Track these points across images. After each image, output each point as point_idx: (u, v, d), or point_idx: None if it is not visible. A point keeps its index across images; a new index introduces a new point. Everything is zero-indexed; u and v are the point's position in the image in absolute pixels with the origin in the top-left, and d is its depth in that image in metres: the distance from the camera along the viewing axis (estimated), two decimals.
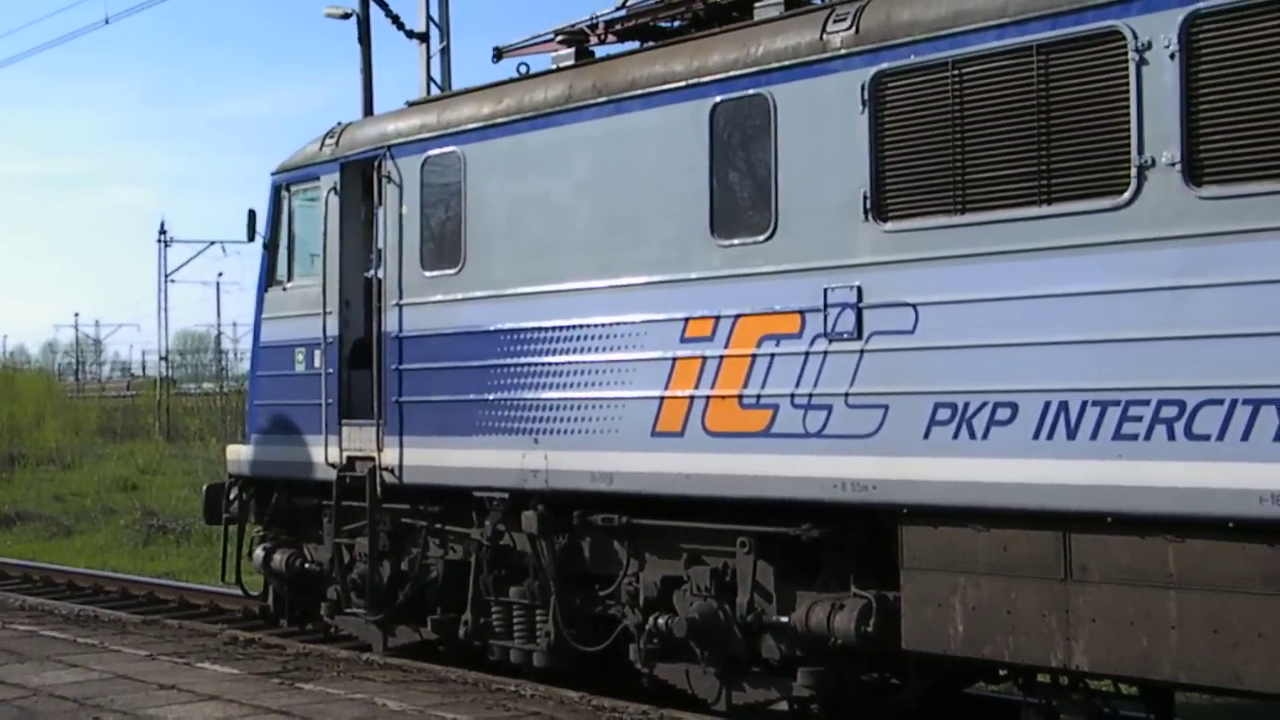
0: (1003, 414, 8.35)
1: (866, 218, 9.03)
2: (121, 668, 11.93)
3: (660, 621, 10.32)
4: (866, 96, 9.04)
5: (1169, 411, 7.69)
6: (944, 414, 8.63)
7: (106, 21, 24.43)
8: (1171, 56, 7.75)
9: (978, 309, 8.48)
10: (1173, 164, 7.74)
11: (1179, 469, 7.65)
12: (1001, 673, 9.60)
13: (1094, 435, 7.97)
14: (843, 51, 9.23)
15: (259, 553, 14.14)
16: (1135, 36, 7.87)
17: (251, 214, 14.25)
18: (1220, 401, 7.53)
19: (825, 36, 9.35)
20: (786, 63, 9.54)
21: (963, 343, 8.54)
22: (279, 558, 13.87)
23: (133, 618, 15.46)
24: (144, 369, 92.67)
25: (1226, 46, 7.61)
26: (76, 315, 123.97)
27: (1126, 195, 7.91)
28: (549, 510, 11.09)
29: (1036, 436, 8.20)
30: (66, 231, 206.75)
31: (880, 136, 9.00)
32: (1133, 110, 7.88)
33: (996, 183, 8.47)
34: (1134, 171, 7.88)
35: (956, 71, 8.64)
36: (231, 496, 14.40)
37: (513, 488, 11.23)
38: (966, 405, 8.51)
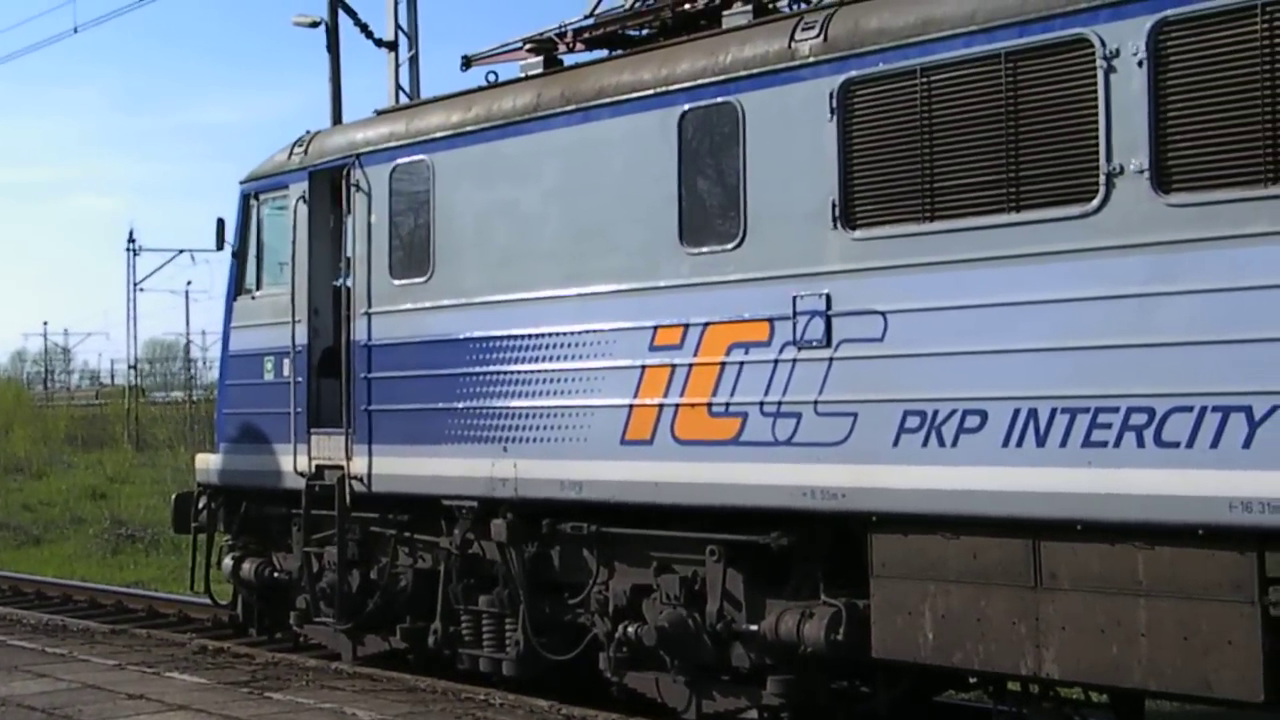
0: (972, 421, 8.35)
1: (835, 225, 9.03)
2: (90, 677, 11.85)
3: (630, 630, 10.30)
4: (835, 104, 9.04)
5: (1138, 419, 7.70)
6: (913, 421, 8.62)
7: (75, 30, 24.39)
8: (1140, 64, 7.77)
9: (947, 316, 8.48)
10: (1141, 171, 7.76)
11: (1148, 476, 7.65)
12: (972, 680, 9.63)
13: (1063, 443, 7.97)
14: (811, 59, 9.22)
15: (228, 562, 14.08)
16: (1103, 44, 7.89)
17: (220, 223, 14.21)
18: (1189, 409, 7.54)
19: (794, 44, 9.35)
20: (755, 71, 9.53)
21: (932, 350, 8.54)
22: (248, 567, 13.81)
23: (101, 627, 15.36)
24: (113, 378, 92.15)
25: (1194, 54, 7.63)
26: (45, 324, 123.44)
27: (1095, 202, 7.92)
28: (518, 519, 11.06)
29: (1006, 444, 8.20)
30: (35, 240, 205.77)
31: (849, 144, 9.00)
32: (1101, 118, 7.89)
33: (965, 190, 8.47)
34: (1102, 179, 7.89)
35: (925, 79, 8.65)
36: (200, 505, 14.34)
37: (482, 496, 11.19)
38: (936, 413, 8.51)
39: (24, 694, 11.12)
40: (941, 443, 8.48)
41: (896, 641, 8.83)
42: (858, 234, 8.95)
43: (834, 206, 9.02)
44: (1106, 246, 7.87)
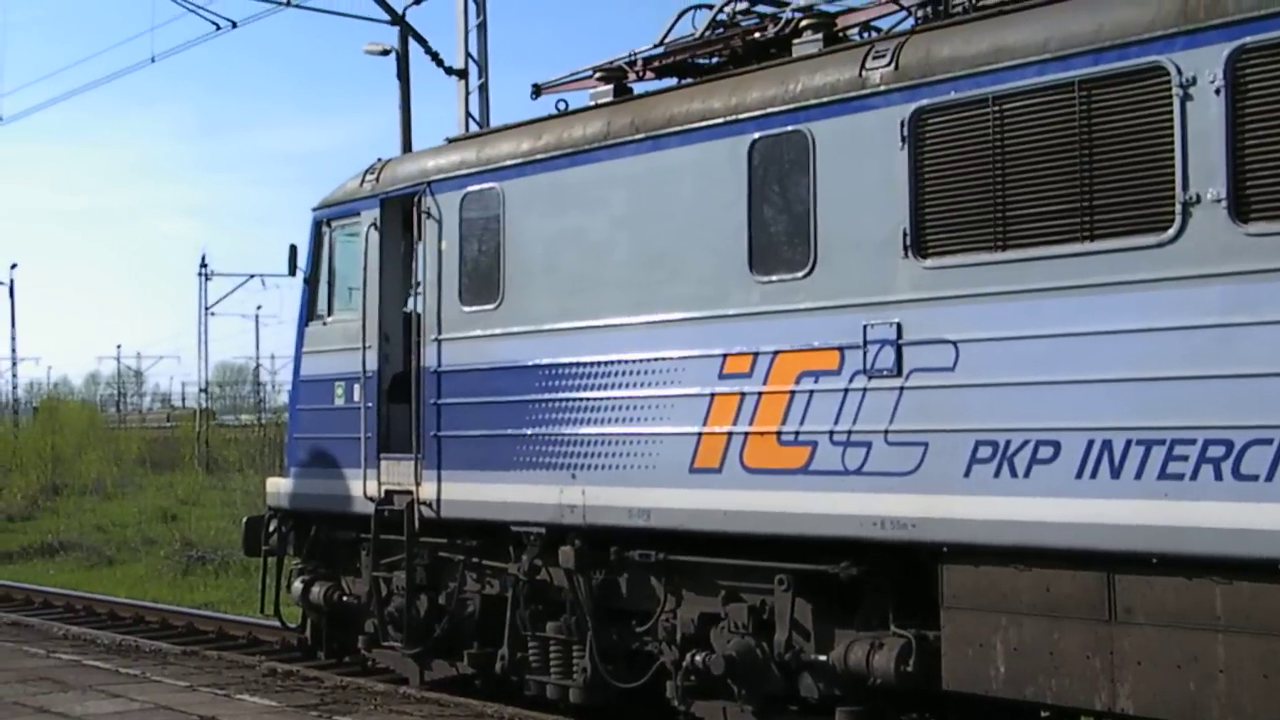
0: (1045, 452, 8.27)
1: (906, 254, 8.99)
2: (163, 698, 11.96)
3: (697, 658, 10.26)
4: (906, 133, 9.01)
5: (1216, 451, 7.60)
6: (985, 452, 8.56)
7: (153, 60, 24.63)
8: (1217, 92, 7.69)
9: (1019, 346, 8.42)
10: (1218, 200, 7.67)
11: (1226, 509, 7.55)
12: (1044, 715, 9.50)
13: (1138, 475, 7.88)
14: (882, 88, 9.20)
15: (297, 585, 14.17)
16: (1180, 72, 7.82)
17: (293, 249, 14.36)
18: (1269, 441, 7.43)
19: (864, 73, 9.33)
20: (825, 99, 9.52)
21: (1004, 380, 8.47)
22: (317, 590, 13.89)
23: (173, 648, 15.51)
24: (184, 400, 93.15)
25: (1273, 81, 7.54)
26: (119, 347, 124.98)
27: (1171, 232, 7.84)
28: (586, 545, 11.06)
29: (1079, 475, 8.11)
30: (110, 264, 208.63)
31: (920, 172, 8.96)
32: (1177, 146, 7.82)
33: (1038, 219, 8.41)
34: (1178, 208, 7.81)
35: (997, 107, 8.60)
36: (271, 529, 14.45)
37: (550, 523, 11.20)
38: (1008, 443, 8.44)
39: (98, 714, 11.24)
40: (1014, 473, 8.41)
41: (967, 674, 8.75)
42: (929, 263, 8.90)
43: (905, 235, 8.99)
44: (1183, 276, 7.79)
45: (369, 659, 13.77)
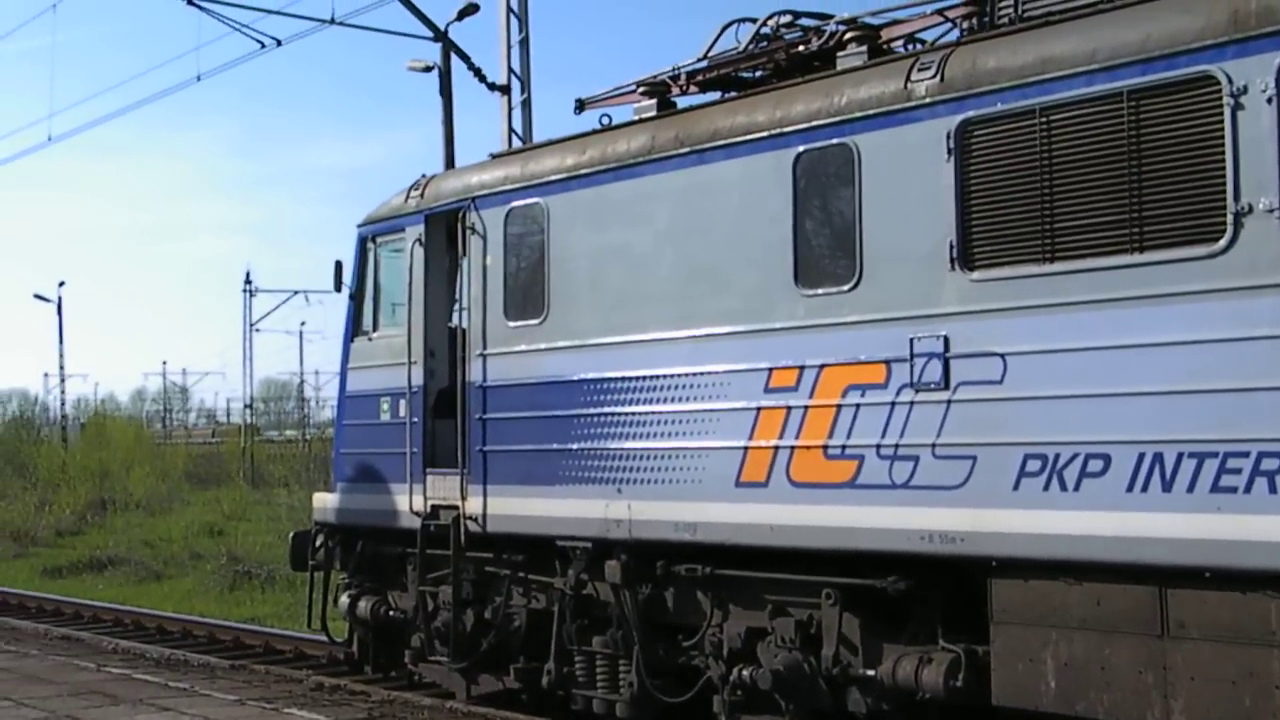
0: (1095, 465, 8.21)
1: (953, 267, 8.95)
2: (212, 712, 12.02)
3: (745, 673, 10.23)
4: (952, 145, 8.97)
5: (1270, 464, 7.51)
6: (1034, 465, 8.50)
7: (199, 79, 24.72)
8: (1269, 100, 7.62)
9: (1068, 359, 8.36)
10: (1271, 210, 7.60)
11: None
12: None
13: (1190, 488, 7.81)
14: (928, 100, 9.17)
15: (344, 600, 14.21)
16: (1230, 81, 7.75)
17: (338, 265, 14.43)
18: None
19: (910, 85, 9.30)
20: (870, 112, 9.49)
21: (1053, 393, 8.42)
22: (364, 605, 13.93)
23: (221, 662, 15.59)
24: (229, 416, 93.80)
25: None
26: (164, 363, 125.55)
27: (1222, 242, 7.77)
28: (632, 560, 11.05)
29: (1130, 489, 8.04)
30: (155, 281, 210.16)
31: (966, 185, 8.93)
32: (1228, 156, 7.75)
33: (1086, 231, 8.36)
34: (1230, 218, 7.74)
35: (1044, 119, 8.56)
36: (317, 544, 14.51)
37: (596, 537, 11.20)
38: (1057, 456, 8.38)
39: None
40: (1063, 487, 8.35)
41: (1018, 689, 8.69)
42: (976, 275, 8.86)
43: (951, 247, 8.95)
44: (1235, 287, 7.71)
45: (416, 673, 13.80)
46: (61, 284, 70.30)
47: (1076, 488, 8.28)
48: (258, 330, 70.43)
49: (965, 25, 9.81)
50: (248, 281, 66.78)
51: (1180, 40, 7.99)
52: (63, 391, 74.81)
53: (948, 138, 8.99)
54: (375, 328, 13.96)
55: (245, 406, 69.22)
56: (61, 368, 72.65)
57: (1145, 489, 7.99)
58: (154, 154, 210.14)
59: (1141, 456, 8.02)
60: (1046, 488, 8.42)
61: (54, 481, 47.72)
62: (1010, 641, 8.71)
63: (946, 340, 8.95)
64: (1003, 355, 8.66)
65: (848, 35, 10.41)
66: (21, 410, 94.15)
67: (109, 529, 37.96)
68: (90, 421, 69.53)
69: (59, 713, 12.01)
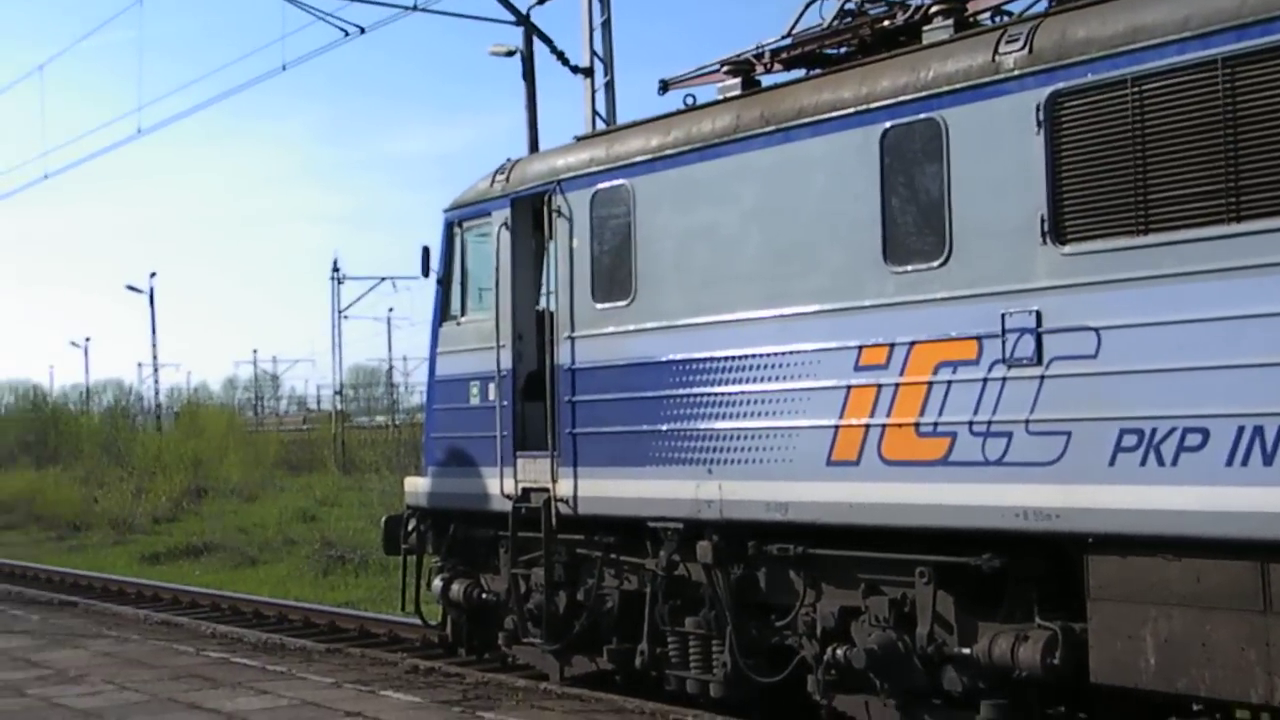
0: (1193, 440, 8.09)
1: (1044, 240, 8.85)
2: (309, 695, 12.16)
3: (839, 652, 10.20)
4: (1042, 117, 8.87)
5: None
6: (1130, 440, 8.39)
7: (284, 68, 24.91)
8: None
9: (1164, 332, 8.25)
10: None
11: None
12: (1196, 708, 9.30)
13: None
14: (1016, 72, 9.07)
15: (437, 583, 14.34)
16: None
17: (425, 250, 14.52)
18: None
19: (998, 58, 9.20)
20: (958, 85, 9.40)
21: (1149, 367, 8.30)
22: (457, 588, 14.04)
23: (317, 646, 15.77)
24: (319, 403, 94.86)
25: None
26: (255, 352, 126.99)
27: None
28: (724, 540, 11.04)
29: (1230, 463, 7.91)
30: (245, 271, 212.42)
31: (1057, 157, 8.82)
32: None
33: (1181, 201, 8.23)
34: None
35: (1136, 88, 8.43)
36: (410, 528, 14.64)
37: (687, 518, 11.21)
38: (1154, 431, 8.27)
39: (248, 710, 11.47)
40: (1161, 462, 8.24)
41: (1116, 666, 8.59)
42: (1068, 249, 8.76)
43: (1043, 221, 8.85)
44: None
45: (509, 655, 13.90)
46: (153, 275, 71.47)
47: (1174, 462, 8.17)
48: (346, 317, 71.15)
49: None
50: (335, 269, 67.36)
51: (1277, 4, 7.83)
52: (156, 381, 76.02)
53: (1037, 110, 8.89)
54: (463, 312, 14.04)
55: (335, 393, 69.95)
56: (155, 357, 73.89)
57: (1245, 463, 7.86)
58: (242, 144, 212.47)
59: (1241, 430, 7.88)
60: (1144, 463, 8.31)
61: (150, 470, 48.50)
62: (1108, 619, 8.61)
63: (1039, 315, 8.85)
64: (1097, 329, 8.56)
65: (933, 9, 10.31)
66: (117, 400, 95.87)
67: (204, 515, 38.53)
68: (184, 410, 70.52)
69: (160, 695, 12.22)
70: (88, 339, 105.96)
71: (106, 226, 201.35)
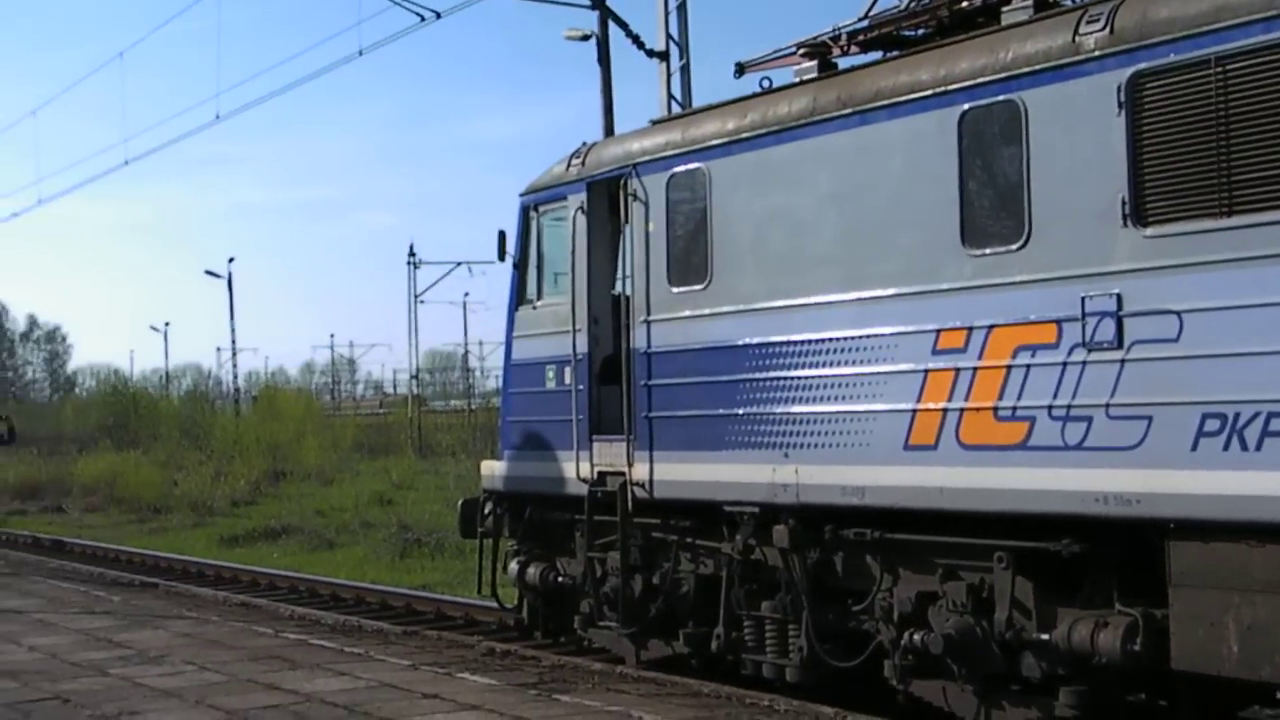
0: (1277, 424, 7.97)
1: (1125, 223, 8.75)
2: (387, 676, 12.27)
3: (916, 638, 10.16)
4: (1123, 98, 8.77)
5: None
6: (1212, 425, 8.29)
7: (360, 53, 25.05)
8: None
9: (1248, 315, 8.13)
10: None
11: None
12: (1279, 696, 9.18)
13: None
14: (1097, 53, 8.97)
15: (513, 566, 14.41)
16: None
17: (501, 235, 14.57)
18: None
19: (1078, 38, 9.10)
20: (1038, 67, 9.31)
21: (1232, 350, 8.20)
22: (533, 571, 14.11)
23: (394, 628, 15.91)
24: (395, 387, 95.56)
25: None
26: (332, 336, 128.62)
27: None
28: (800, 524, 11.03)
29: None
30: (322, 256, 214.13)
31: (1139, 139, 8.72)
32: None
33: (1266, 183, 8.11)
34: None
35: (1220, 68, 8.32)
36: (486, 511, 14.72)
37: (763, 502, 11.20)
38: (1237, 416, 8.16)
39: (326, 690, 11.59)
40: (1244, 446, 8.13)
41: (1198, 653, 8.50)
42: (1149, 231, 8.66)
43: (1124, 204, 8.75)
44: None
45: (585, 639, 13.95)
46: (231, 260, 72.16)
47: (1258, 448, 8.06)
48: (423, 302, 71.74)
49: None
50: (411, 254, 67.80)
51: None
52: (235, 365, 76.84)
53: (1118, 91, 8.79)
54: (539, 296, 14.09)
55: (411, 377, 70.45)
56: (233, 342, 74.66)
57: None
58: (319, 130, 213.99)
59: None
60: (1226, 447, 8.20)
61: (229, 453, 49.11)
62: (1190, 605, 8.52)
63: (1120, 298, 8.76)
64: (1179, 312, 8.46)
65: None
66: (196, 384, 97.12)
67: (282, 499, 38.99)
68: (262, 394, 71.28)
69: (239, 676, 12.37)
70: (167, 324, 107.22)
71: (186, 212, 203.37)
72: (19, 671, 12.71)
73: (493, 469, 14.72)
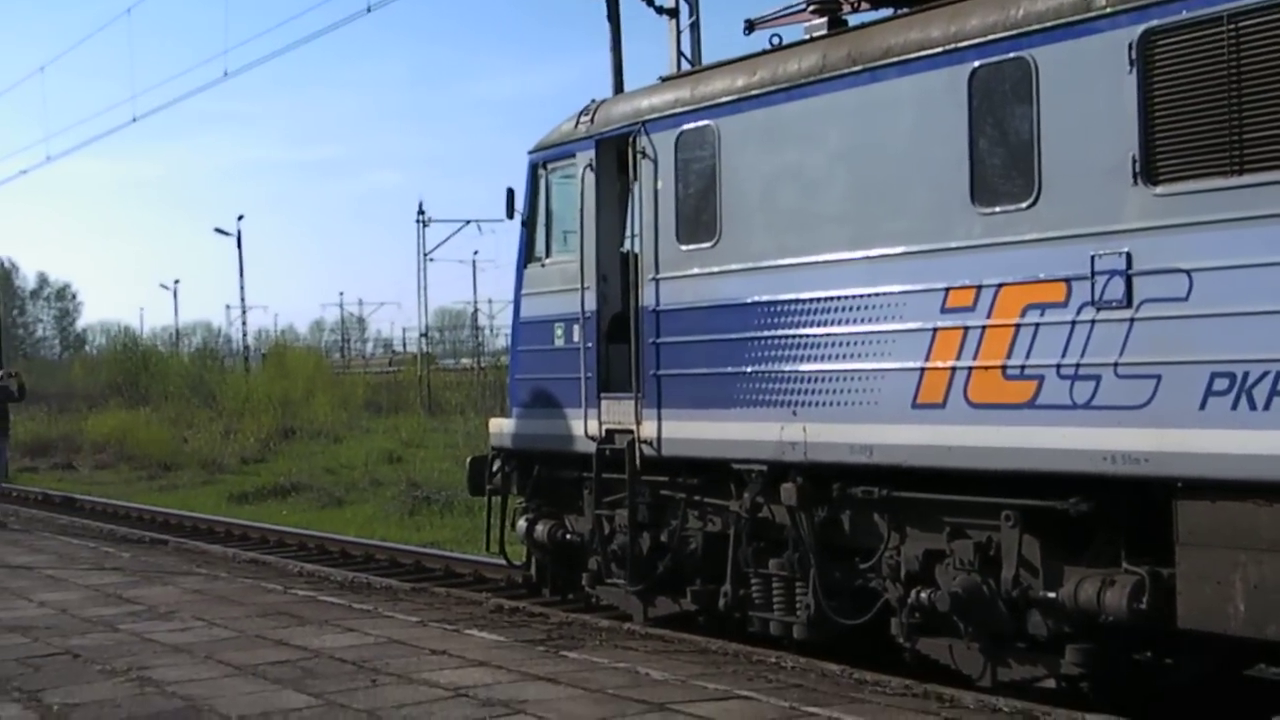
0: None
1: (1135, 181, 8.72)
2: (395, 633, 12.31)
3: (922, 596, 10.19)
4: (1134, 55, 8.72)
5: None
6: (1221, 384, 8.28)
7: (369, 10, 24.97)
8: None
9: (1257, 274, 8.11)
10: None
11: None
12: None
13: None
14: (1108, 10, 8.91)
15: (522, 524, 14.44)
16: None
17: (510, 192, 14.53)
18: None
19: None
20: (1049, 24, 9.25)
21: (1241, 309, 8.18)
22: (541, 529, 14.15)
23: (402, 585, 15.96)
24: (404, 345, 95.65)
25: None
26: (341, 294, 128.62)
27: None
28: (808, 483, 11.04)
29: None
30: (331, 214, 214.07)
31: (1149, 96, 8.67)
32: None
33: (1278, 141, 8.06)
34: None
35: (1232, 25, 8.26)
36: (494, 469, 14.74)
37: (771, 460, 11.21)
38: (1246, 375, 8.15)
39: (335, 646, 11.63)
40: (1252, 405, 8.12)
41: (1204, 612, 8.51)
42: (1160, 190, 8.62)
43: (1134, 162, 8.71)
44: None
45: (593, 596, 13.99)
46: (240, 218, 72.19)
47: (1267, 406, 8.05)
48: (432, 260, 71.79)
49: None
50: (421, 212, 67.68)
51: None
52: (244, 323, 77.03)
53: (1129, 49, 8.74)
54: (548, 254, 14.07)
55: (421, 335, 70.43)
56: (243, 300, 74.76)
57: None
58: (327, 87, 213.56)
59: None
60: (1235, 406, 8.20)
61: (238, 411, 49.23)
62: (1197, 564, 8.53)
63: (1129, 257, 8.73)
64: (1188, 271, 8.43)
65: None
66: (205, 342, 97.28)
67: (292, 456, 39.09)
68: (271, 352, 71.46)
69: (249, 632, 12.42)
70: (177, 281, 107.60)
71: (195, 170, 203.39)
72: (29, 627, 12.78)
73: (501, 427, 14.73)
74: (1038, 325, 9.23)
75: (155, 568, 17.31)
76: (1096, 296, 8.89)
